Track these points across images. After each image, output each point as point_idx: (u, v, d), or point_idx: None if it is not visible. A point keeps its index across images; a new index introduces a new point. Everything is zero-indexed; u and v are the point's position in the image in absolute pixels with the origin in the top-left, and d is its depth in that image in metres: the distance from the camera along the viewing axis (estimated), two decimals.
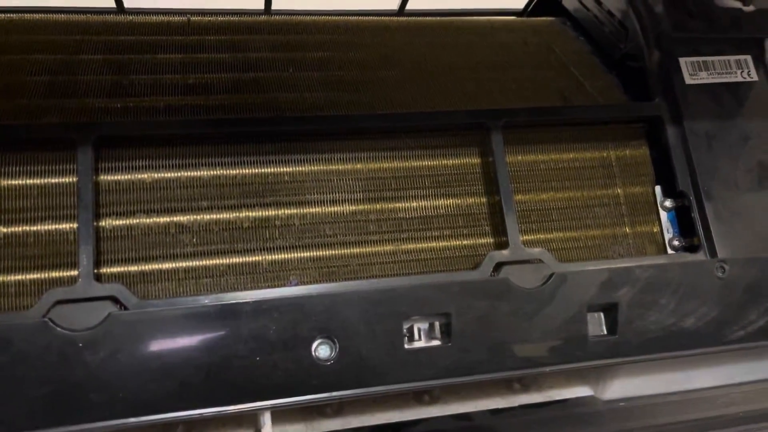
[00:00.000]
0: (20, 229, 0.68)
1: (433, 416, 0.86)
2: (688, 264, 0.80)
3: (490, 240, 0.80)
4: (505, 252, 0.76)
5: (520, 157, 0.84)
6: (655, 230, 0.85)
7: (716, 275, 0.79)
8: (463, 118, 0.81)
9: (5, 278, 0.67)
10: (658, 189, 0.86)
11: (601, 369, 0.89)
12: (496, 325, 0.72)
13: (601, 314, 0.77)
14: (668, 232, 0.84)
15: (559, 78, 0.94)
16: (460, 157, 0.82)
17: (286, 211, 0.76)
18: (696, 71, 0.87)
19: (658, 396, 0.88)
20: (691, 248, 0.82)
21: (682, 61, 0.87)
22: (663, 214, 0.85)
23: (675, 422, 0.83)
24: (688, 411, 0.85)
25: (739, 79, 0.88)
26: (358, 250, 0.77)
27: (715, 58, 0.88)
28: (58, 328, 0.62)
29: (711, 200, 0.82)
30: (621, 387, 0.88)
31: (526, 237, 0.81)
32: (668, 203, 0.85)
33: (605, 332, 0.77)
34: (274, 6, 1.10)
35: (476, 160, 0.82)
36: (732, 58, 0.89)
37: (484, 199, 0.81)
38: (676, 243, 0.84)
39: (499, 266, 0.75)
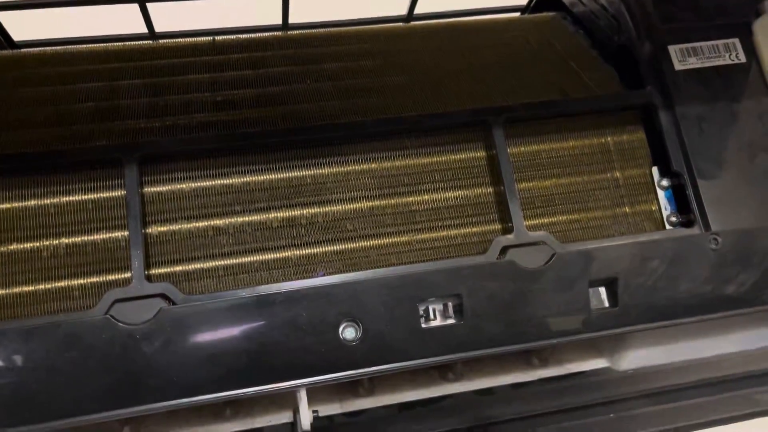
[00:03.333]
0: (80, 239, 0.77)
1: (457, 392, 0.92)
2: (683, 238, 0.84)
3: (498, 226, 0.86)
4: (510, 236, 0.82)
5: (522, 148, 0.89)
6: (653, 208, 0.90)
7: (710, 247, 0.83)
8: (466, 116, 0.87)
9: (70, 283, 0.76)
10: (655, 170, 0.90)
11: (615, 341, 0.94)
12: (504, 303, 0.78)
13: (603, 289, 0.82)
14: (666, 210, 0.89)
15: (559, 72, 0.99)
16: (466, 152, 0.88)
17: (310, 210, 0.83)
18: (685, 57, 0.91)
19: (669, 364, 0.94)
20: (687, 223, 0.87)
21: (670, 48, 0.91)
22: (660, 193, 0.90)
23: (681, 383, 0.89)
24: (694, 374, 0.91)
25: (728, 61, 0.91)
26: (376, 241, 0.83)
27: (704, 44, 0.92)
28: (119, 324, 0.71)
29: (703, 178, 0.86)
30: (634, 358, 0.93)
31: (531, 221, 0.86)
32: (665, 182, 0.89)
33: (607, 305, 0.82)
34: (291, 20, 1.18)
35: (481, 154, 0.88)
36: (720, 42, 0.92)
37: (490, 189, 0.87)
38: (673, 219, 0.88)
39: (505, 250, 0.82)
